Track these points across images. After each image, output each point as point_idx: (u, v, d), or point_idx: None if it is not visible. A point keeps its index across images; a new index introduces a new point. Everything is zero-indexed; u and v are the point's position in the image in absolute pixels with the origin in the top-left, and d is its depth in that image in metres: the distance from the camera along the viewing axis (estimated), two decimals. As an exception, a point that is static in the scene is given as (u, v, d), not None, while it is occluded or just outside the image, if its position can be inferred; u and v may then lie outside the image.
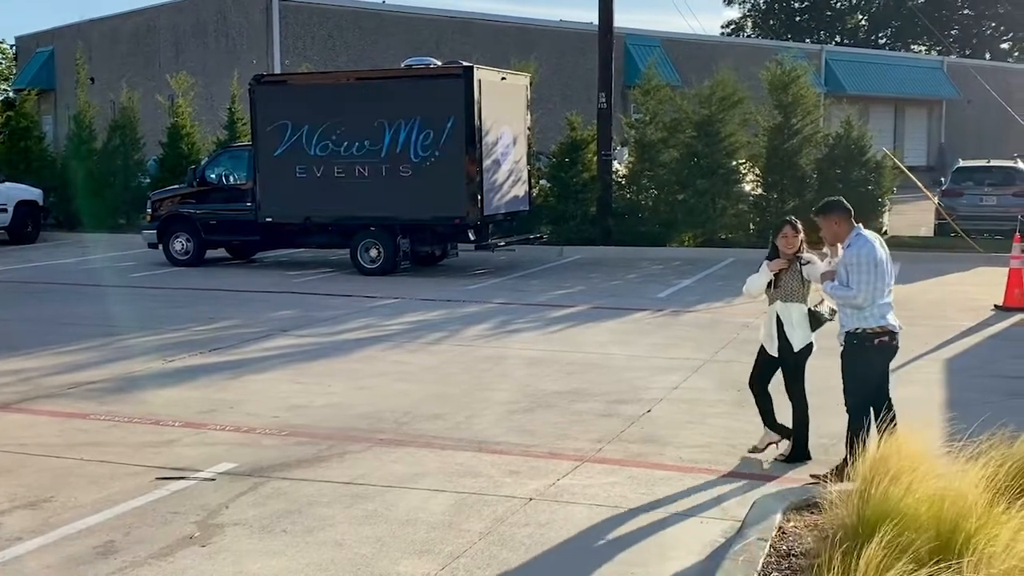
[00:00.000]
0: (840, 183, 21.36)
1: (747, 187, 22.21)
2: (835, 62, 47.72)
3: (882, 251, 7.02)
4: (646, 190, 22.31)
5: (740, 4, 73.96)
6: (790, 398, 7.59)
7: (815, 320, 7.48)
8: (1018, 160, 24.83)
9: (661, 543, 6.08)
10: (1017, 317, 13.64)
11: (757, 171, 22.13)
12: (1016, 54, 70.67)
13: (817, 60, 45.21)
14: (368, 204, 18.25)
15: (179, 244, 20.12)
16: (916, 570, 4.73)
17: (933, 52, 64.35)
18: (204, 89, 30.52)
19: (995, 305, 14.30)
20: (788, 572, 5.53)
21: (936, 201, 22.68)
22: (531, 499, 6.78)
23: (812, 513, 6.29)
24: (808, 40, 64.00)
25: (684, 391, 9.74)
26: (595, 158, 22.04)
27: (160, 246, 20.27)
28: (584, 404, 9.15)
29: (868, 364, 7.01)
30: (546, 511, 6.57)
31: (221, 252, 20.85)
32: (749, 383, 7.76)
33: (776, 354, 7.53)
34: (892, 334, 7.03)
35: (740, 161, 21.96)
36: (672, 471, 7.36)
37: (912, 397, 9.46)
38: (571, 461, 7.51)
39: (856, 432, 6.81)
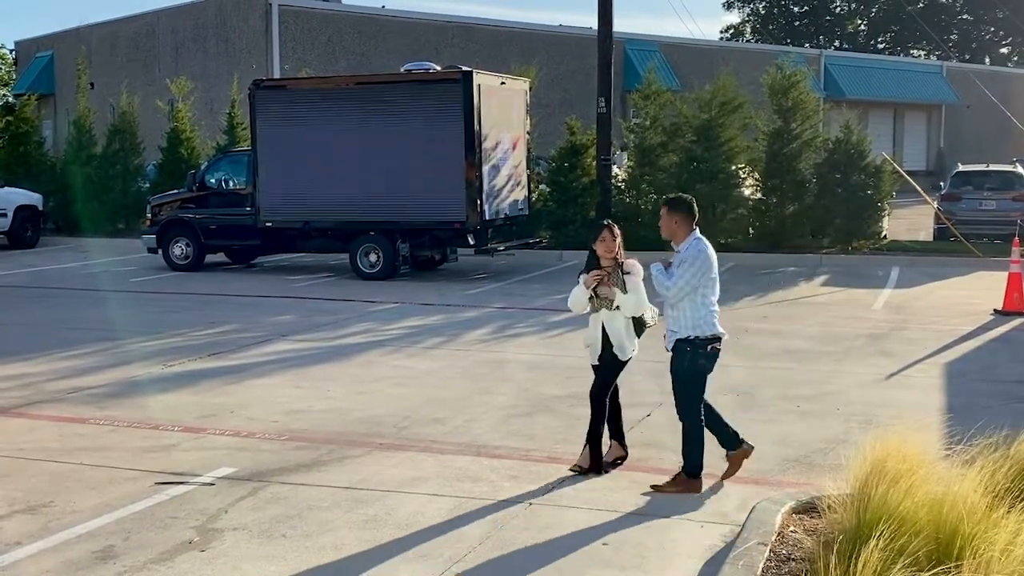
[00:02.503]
0: (839, 187, 21.41)
1: (747, 191, 22.22)
2: (834, 67, 47.77)
3: (715, 262, 7.02)
4: (646, 194, 22.31)
5: (740, 9, 74.12)
6: (592, 394, 7.42)
7: (639, 326, 7.35)
8: (1017, 164, 24.82)
9: (661, 548, 6.08)
10: (1016, 321, 13.64)
11: (757, 175, 22.16)
12: (1015, 59, 70.76)
13: (816, 65, 45.27)
14: (368, 209, 18.26)
15: (179, 249, 20.14)
16: (915, 573, 4.73)
17: (932, 57, 64.39)
18: (204, 94, 30.56)
19: (994, 309, 14.31)
20: (787, 576, 5.53)
21: (935, 205, 22.69)
22: (530, 503, 6.78)
23: (812, 517, 6.30)
24: (807, 45, 64.04)
25: (683, 395, 9.71)
26: (595, 163, 22.04)
27: (160, 251, 20.28)
28: (584, 408, 9.07)
29: (703, 369, 7.02)
30: (545, 515, 6.57)
31: (221, 257, 20.87)
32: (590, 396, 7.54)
33: (597, 362, 7.37)
34: (720, 340, 7.04)
35: (740, 165, 21.97)
36: (672, 475, 7.34)
37: (911, 401, 9.48)
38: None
39: (698, 437, 6.96)
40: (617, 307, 7.21)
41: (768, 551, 5.79)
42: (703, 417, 7.11)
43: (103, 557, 5.97)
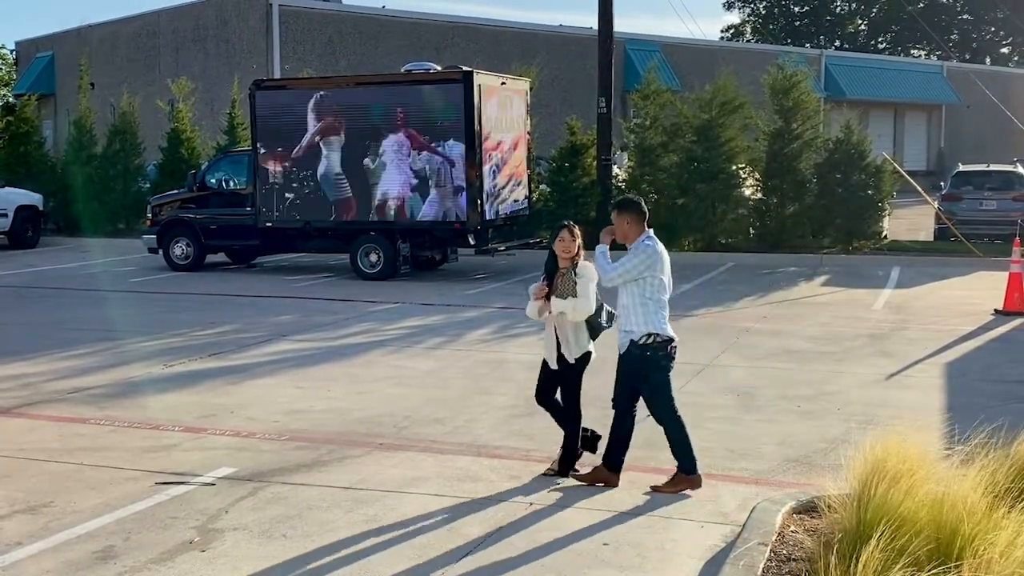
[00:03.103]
0: (840, 188, 21.42)
1: (747, 192, 22.23)
2: (835, 67, 47.78)
3: (665, 261, 7.01)
4: (646, 195, 22.24)
5: (740, 9, 74.10)
6: (563, 408, 7.39)
7: (592, 329, 7.29)
8: (1018, 164, 24.82)
9: (661, 548, 6.08)
10: (1017, 321, 13.64)
11: (757, 176, 22.16)
12: (1016, 59, 70.74)
13: (817, 65, 45.29)
14: (368, 209, 18.27)
15: (179, 249, 20.15)
16: (915, 574, 4.73)
17: (933, 57, 64.39)
18: (204, 94, 30.57)
19: (995, 309, 14.31)
20: (788, 576, 5.54)
21: (936, 206, 22.69)
22: (531, 504, 6.78)
23: (812, 517, 6.30)
24: (808, 45, 64.04)
25: (683, 395, 9.68)
26: (595, 163, 22.07)
27: (160, 251, 20.29)
28: (584, 409, 9.12)
29: (665, 370, 7.01)
30: (546, 515, 6.57)
31: (221, 257, 20.87)
32: (536, 398, 7.52)
33: (556, 367, 7.34)
34: (674, 341, 7.03)
35: (740, 165, 21.98)
36: (670, 475, 7.34)
37: (911, 401, 9.48)
38: (579, 464, 7.50)
39: (680, 434, 6.97)
40: (562, 312, 7.17)
41: (768, 551, 5.80)
42: (629, 418, 7.14)
43: (103, 557, 5.98)
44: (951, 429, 7.02)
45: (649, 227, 7.10)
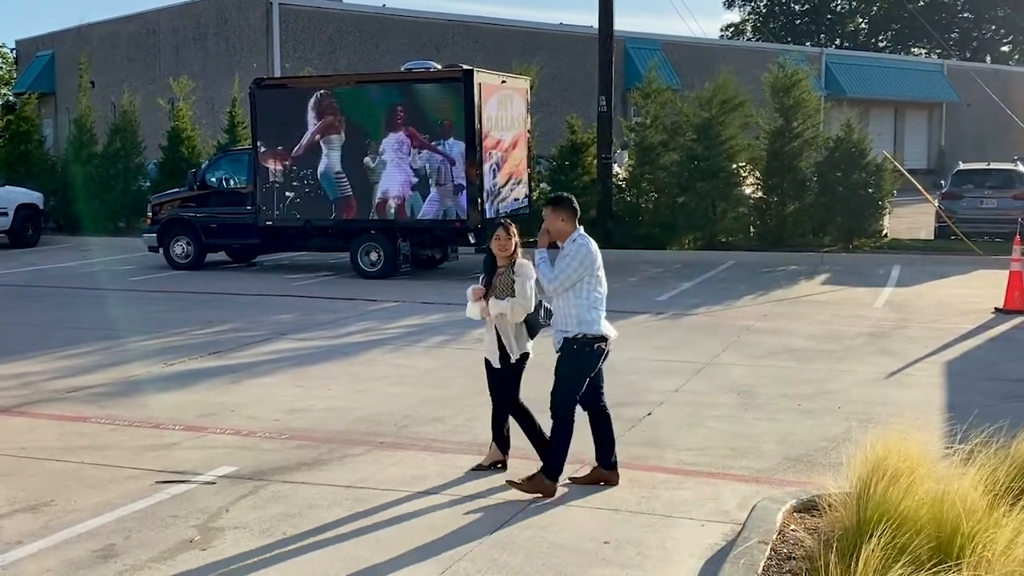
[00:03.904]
0: (840, 186, 21.41)
1: (747, 190, 22.22)
2: (835, 65, 47.75)
3: (598, 257, 7.00)
4: (646, 193, 22.32)
5: (740, 7, 74.08)
6: (502, 405, 7.42)
7: (530, 328, 7.28)
8: (1018, 163, 24.82)
9: (662, 546, 6.08)
10: (1017, 320, 13.64)
11: (757, 174, 22.15)
12: (1016, 57, 70.69)
13: (817, 63, 45.25)
14: (368, 207, 18.27)
15: (179, 248, 20.15)
16: (915, 572, 4.73)
17: (933, 55, 64.36)
18: (204, 93, 30.55)
19: (995, 308, 14.30)
20: (789, 575, 5.53)
21: (936, 204, 22.69)
22: (531, 502, 6.78)
23: (812, 516, 6.30)
24: (808, 43, 64.01)
25: (684, 394, 9.74)
26: (595, 161, 22.05)
27: (160, 250, 20.29)
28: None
29: (587, 366, 6.98)
30: (547, 514, 6.57)
31: (221, 256, 20.87)
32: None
33: (499, 365, 7.35)
34: (607, 339, 7.00)
35: (740, 164, 21.97)
36: (672, 474, 7.36)
37: (911, 400, 9.48)
38: (572, 464, 7.48)
39: (564, 435, 6.90)
40: (501, 314, 7.17)
41: (769, 550, 5.80)
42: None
43: (104, 556, 5.98)
44: (951, 427, 7.02)
45: (580, 224, 7.10)
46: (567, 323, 6.96)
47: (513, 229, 7.34)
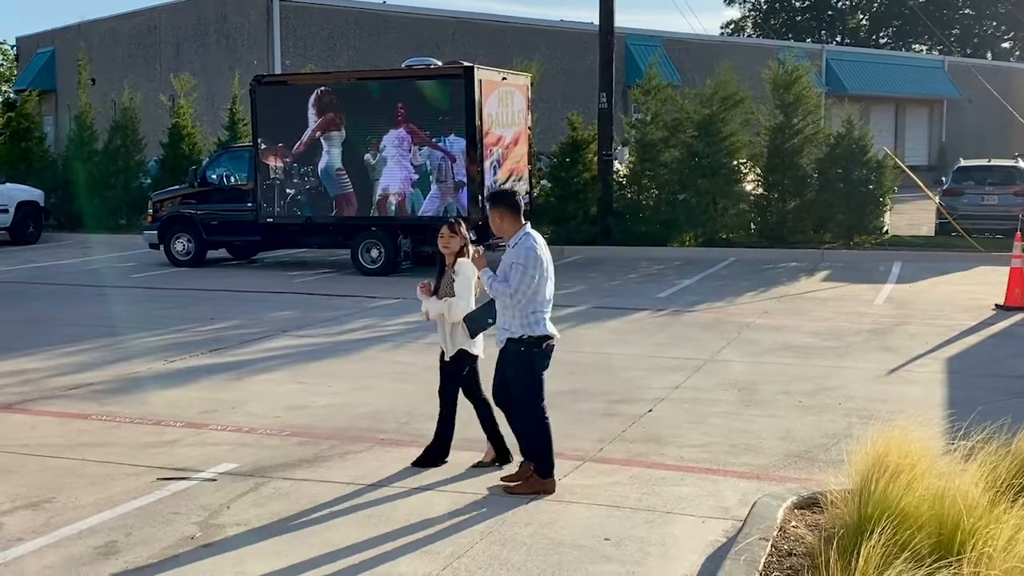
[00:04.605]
0: (841, 183, 21.40)
1: (748, 187, 22.21)
2: (836, 62, 47.72)
3: (545, 254, 6.90)
4: (647, 190, 22.31)
5: (741, 4, 74.04)
6: (440, 401, 7.48)
7: (470, 326, 7.20)
8: (1019, 159, 24.83)
9: (662, 543, 6.08)
10: (1018, 316, 13.63)
11: (758, 171, 22.14)
12: (1017, 53, 70.67)
13: (818, 60, 45.21)
14: (369, 204, 18.27)
15: (180, 245, 20.15)
16: (916, 568, 4.73)
17: (934, 52, 64.36)
18: (205, 90, 30.56)
19: (996, 304, 14.30)
20: (789, 571, 5.53)
21: (937, 200, 22.67)
22: (532, 499, 6.78)
23: (813, 512, 6.30)
24: (809, 40, 64.01)
25: (685, 391, 9.74)
26: (596, 158, 22.04)
27: (161, 247, 20.30)
28: (585, 404, 9.15)
29: (538, 364, 6.94)
30: (547, 511, 6.57)
31: (222, 252, 20.87)
32: (492, 398, 7.50)
33: (448, 359, 7.36)
34: (552, 338, 6.95)
35: (741, 161, 21.96)
36: (673, 470, 7.36)
37: (912, 396, 9.48)
38: (572, 461, 7.51)
39: (543, 432, 6.88)
40: (440, 314, 7.19)
41: (770, 546, 5.80)
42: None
43: (105, 553, 5.98)
44: (952, 424, 7.01)
45: (526, 220, 7.00)
46: (511, 324, 6.88)
47: (459, 227, 7.30)
